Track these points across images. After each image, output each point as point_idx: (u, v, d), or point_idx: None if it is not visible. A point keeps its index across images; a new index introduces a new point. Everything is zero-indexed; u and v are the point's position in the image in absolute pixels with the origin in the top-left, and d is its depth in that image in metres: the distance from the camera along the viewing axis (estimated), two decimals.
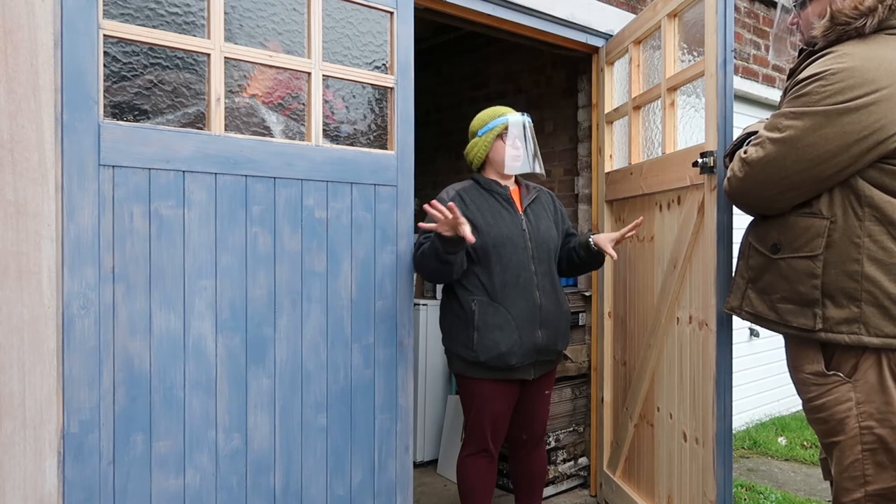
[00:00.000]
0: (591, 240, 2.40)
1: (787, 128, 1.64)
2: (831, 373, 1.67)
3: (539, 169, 2.41)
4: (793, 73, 1.78)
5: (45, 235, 1.64)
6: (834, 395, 1.66)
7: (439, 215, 1.98)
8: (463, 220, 1.99)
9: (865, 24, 1.61)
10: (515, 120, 2.37)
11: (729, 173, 1.81)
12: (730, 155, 1.94)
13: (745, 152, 1.75)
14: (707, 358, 2.25)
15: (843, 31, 1.64)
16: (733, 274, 1.99)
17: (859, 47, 1.61)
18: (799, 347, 1.75)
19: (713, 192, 2.19)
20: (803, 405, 1.77)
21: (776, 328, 1.78)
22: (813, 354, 1.71)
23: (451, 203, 1.98)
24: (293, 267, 2.04)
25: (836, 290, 1.64)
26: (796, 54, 1.86)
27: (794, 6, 1.83)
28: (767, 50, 4.39)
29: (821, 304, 1.65)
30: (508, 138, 2.35)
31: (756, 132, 1.92)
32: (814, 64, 1.67)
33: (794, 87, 1.68)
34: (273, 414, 2.01)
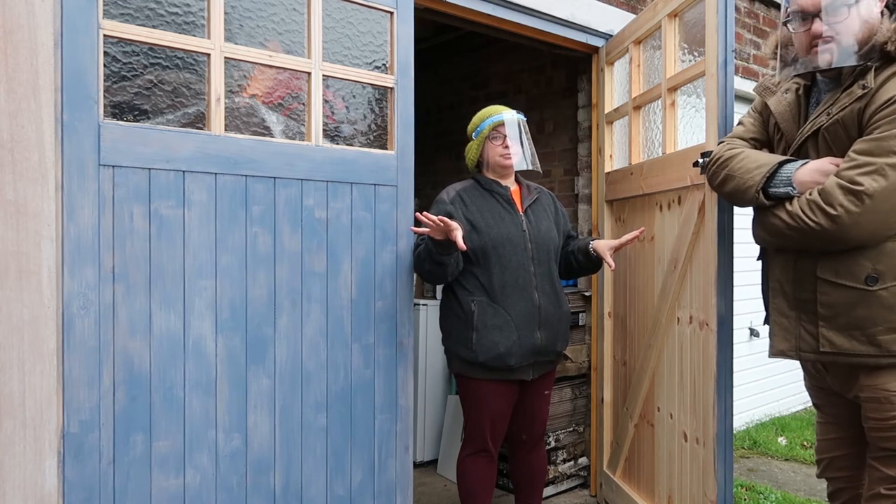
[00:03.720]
0: (590, 246, 2.40)
1: None
2: None
3: (533, 166, 2.38)
4: (850, 87, 1.66)
5: (45, 235, 1.64)
6: None
7: (431, 223, 1.99)
8: (455, 226, 2.00)
9: None
10: (503, 119, 2.35)
11: (833, 210, 1.63)
12: (762, 189, 1.76)
13: (856, 184, 1.60)
14: (707, 358, 2.25)
15: None
16: (769, 314, 1.86)
17: None
18: (890, 371, 1.69)
19: (713, 191, 2.19)
20: (882, 423, 1.71)
21: (872, 361, 1.69)
22: None
23: (442, 217, 2.00)
24: (293, 267, 2.04)
25: None
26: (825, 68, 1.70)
27: (846, 6, 1.66)
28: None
29: None
30: (498, 139, 2.35)
31: (790, 159, 1.77)
32: None
33: (891, 106, 1.58)
34: (273, 414, 2.01)
